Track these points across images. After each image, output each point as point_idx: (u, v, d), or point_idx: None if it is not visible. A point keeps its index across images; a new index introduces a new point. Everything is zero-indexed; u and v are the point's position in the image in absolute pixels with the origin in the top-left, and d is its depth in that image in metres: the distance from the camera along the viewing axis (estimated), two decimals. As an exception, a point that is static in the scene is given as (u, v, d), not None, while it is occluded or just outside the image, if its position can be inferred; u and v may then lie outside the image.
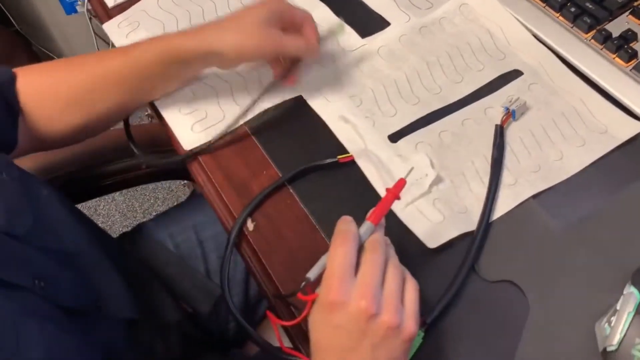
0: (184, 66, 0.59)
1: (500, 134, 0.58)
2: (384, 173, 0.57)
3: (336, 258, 0.42)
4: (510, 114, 0.59)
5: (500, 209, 0.54)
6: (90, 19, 0.80)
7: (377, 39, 0.68)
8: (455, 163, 0.57)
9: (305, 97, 0.64)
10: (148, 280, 0.74)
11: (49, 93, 0.60)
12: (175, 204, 1.57)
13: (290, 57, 0.61)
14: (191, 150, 0.62)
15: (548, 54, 0.64)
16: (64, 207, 0.62)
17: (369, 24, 0.70)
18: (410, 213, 0.54)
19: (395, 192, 0.46)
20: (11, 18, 1.61)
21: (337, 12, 0.71)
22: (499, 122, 0.59)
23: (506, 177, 0.56)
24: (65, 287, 0.52)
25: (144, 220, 1.54)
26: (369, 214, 0.46)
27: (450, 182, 0.56)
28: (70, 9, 1.42)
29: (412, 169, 0.48)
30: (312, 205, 0.57)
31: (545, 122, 0.59)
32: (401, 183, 0.46)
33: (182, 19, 0.73)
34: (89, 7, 0.80)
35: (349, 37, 0.69)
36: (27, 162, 0.78)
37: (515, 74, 0.63)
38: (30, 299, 0.46)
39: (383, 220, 0.47)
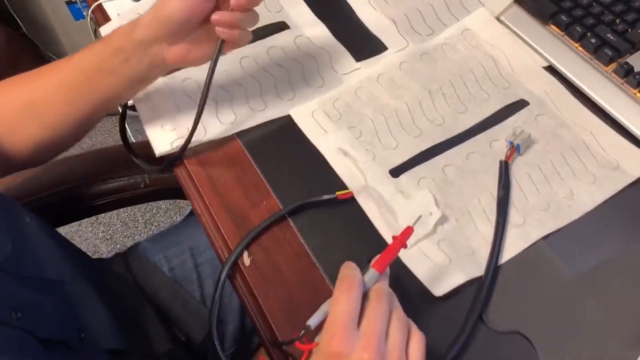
0: (123, 55, 0.54)
1: (505, 170, 0.55)
2: (386, 211, 0.54)
3: (340, 305, 0.40)
4: (515, 149, 0.57)
5: (509, 251, 0.51)
6: (95, 30, 0.77)
7: (376, 65, 0.65)
8: (460, 200, 0.55)
9: (298, 123, 0.61)
10: (139, 306, 0.71)
11: (7, 108, 0.57)
12: (177, 214, 1.55)
13: None
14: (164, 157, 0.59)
15: (554, 83, 0.62)
16: (47, 234, 0.60)
17: (364, 46, 0.68)
18: (414, 255, 0.51)
19: (402, 240, 0.44)
20: (19, 21, 1.58)
21: (334, 31, 0.69)
22: (504, 157, 0.56)
23: (514, 216, 0.53)
24: (46, 317, 0.49)
25: (145, 230, 1.54)
26: (373, 261, 0.44)
27: (456, 222, 0.54)
28: (79, 15, 1.39)
29: (419, 217, 0.46)
30: (312, 240, 0.54)
31: (553, 156, 0.57)
32: (408, 231, 0.44)
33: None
34: (92, 16, 0.77)
35: (342, 58, 0.67)
36: (16, 179, 0.76)
37: (521, 104, 0.61)
38: (5, 333, 0.43)
39: (387, 269, 0.44)
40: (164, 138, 0.61)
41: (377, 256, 0.44)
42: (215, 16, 0.52)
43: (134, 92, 0.60)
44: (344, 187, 0.56)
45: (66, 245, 0.65)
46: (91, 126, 0.61)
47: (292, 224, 0.55)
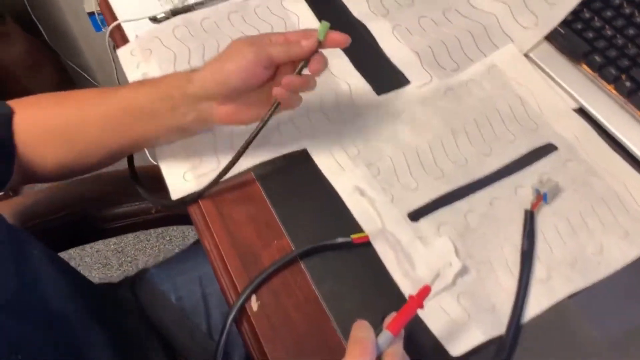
0: (170, 103, 0.53)
1: (530, 220, 0.52)
2: (403, 258, 0.52)
3: None
4: (541, 197, 0.54)
5: (532, 309, 0.48)
6: (114, 47, 0.77)
7: (398, 101, 0.63)
8: (482, 250, 0.52)
9: (314, 158, 0.59)
10: (144, 337, 0.69)
11: (40, 125, 0.56)
12: (189, 229, 1.54)
13: (282, 59, 0.51)
14: (179, 199, 0.58)
15: (585, 128, 0.59)
16: (54, 266, 0.58)
17: (386, 79, 0.65)
18: (431, 310, 0.49)
19: (419, 301, 0.41)
20: (41, 28, 1.59)
21: (355, 62, 0.67)
22: (529, 205, 0.54)
23: (538, 270, 0.50)
24: (46, 355, 0.48)
25: (157, 244, 1.52)
26: (387, 321, 0.41)
27: (477, 273, 0.51)
28: (100, 27, 1.40)
29: (438, 275, 0.43)
30: (324, 286, 0.52)
31: (582, 206, 0.54)
32: (426, 291, 0.41)
33: (195, 52, 0.68)
34: (109, 38, 0.76)
35: (362, 91, 0.64)
36: (26, 201, 0.74)
37: (549, 149, 0.58)
38: None
39: (402, 331, 0.41)
40: (183, 182, 0.58)
41: (391, 315, 0.42)
42: (286, 80, 0.51)
43: (172, 139, 0.58)
44: (360, 229, 0.54)
45: (72, 276, 0.63)
46: (120, 158, 0.60)
47: (303, 268, 0.53)
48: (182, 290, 0.74)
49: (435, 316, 0.48)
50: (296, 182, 0.58)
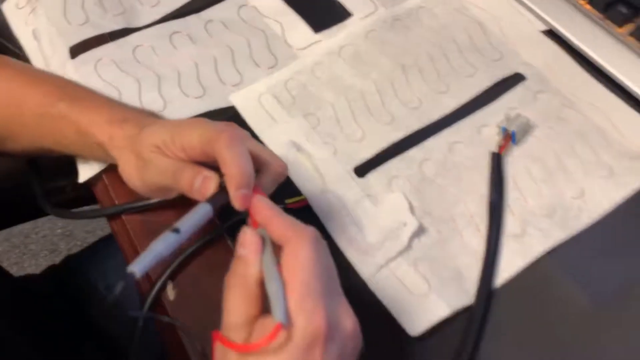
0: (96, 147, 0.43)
1: (497, 165, 0.44)
2: (349, 223, 0.43)
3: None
4: (510, 136, 0.45)
5: (505, 271, 0.40)
6: None
7: (337, 36, 0.53)
8: (442, 205, 0.43)
9: (240, 111, 0.49)
10: (73, 336, 0.60)
11: None
12: None
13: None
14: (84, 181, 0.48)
15: (557, 52, 0.50)
16: None
17: (324, 13, 0.56)
18: (385, 280, 0.40)
19: None
20: None
21: (290, 0, 0.56)
22: (496, 147, 0.45)
23: (511, 224, 0.42)
24: None
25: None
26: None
27: (437, 233, 0.42)
28: None
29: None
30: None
31: (558, 145, 0.45)
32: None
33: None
34: None
35: (297, 30, 0.54)
36: None
37: (516, 79, 0.49)
38: None
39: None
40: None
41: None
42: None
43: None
44: (297, 192, 0.45)
45: None
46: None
47: (230, 244, 0.44)
48: (112, 276, 0.64)
49: (389, 289, 0.40)
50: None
